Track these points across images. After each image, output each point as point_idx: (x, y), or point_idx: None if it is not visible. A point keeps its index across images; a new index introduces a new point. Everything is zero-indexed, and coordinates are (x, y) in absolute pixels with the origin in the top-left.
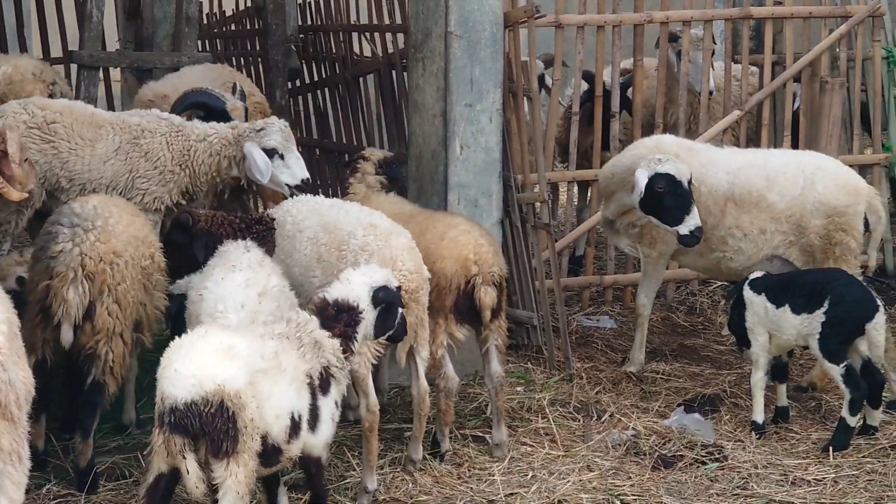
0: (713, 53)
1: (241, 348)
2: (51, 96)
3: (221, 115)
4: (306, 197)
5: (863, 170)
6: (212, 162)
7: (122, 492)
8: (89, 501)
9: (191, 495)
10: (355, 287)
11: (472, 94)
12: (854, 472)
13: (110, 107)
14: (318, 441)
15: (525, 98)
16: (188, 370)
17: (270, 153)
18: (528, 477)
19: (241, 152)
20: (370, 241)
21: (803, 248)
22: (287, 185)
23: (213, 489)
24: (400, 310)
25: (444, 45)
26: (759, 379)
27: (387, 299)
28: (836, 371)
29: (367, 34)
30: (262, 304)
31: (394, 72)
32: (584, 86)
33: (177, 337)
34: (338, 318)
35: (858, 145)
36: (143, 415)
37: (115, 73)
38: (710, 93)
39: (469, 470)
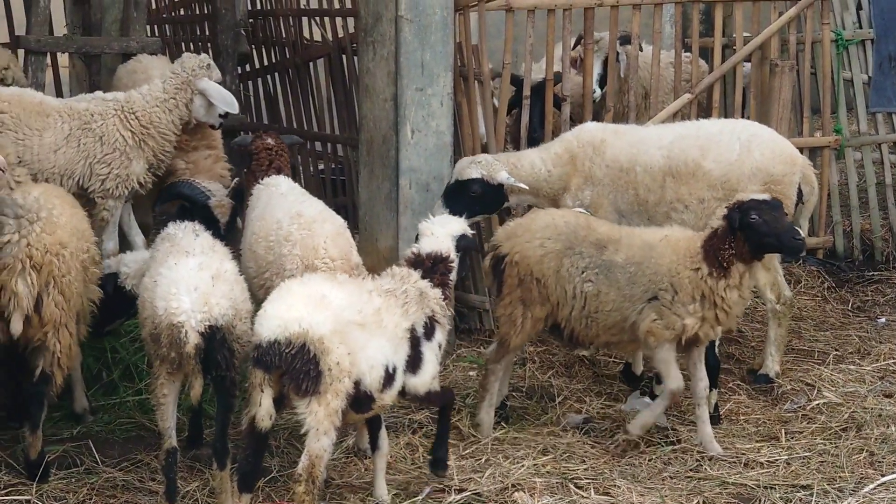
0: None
1: (337, 299)
2: (1, 80)
3: (203, 210)
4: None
5: (813, 152)
6: (173, 118)
7: (74, 480)
8: (40, 490)
9: (257, 425)
10: (442, 239)
11: (423, 78)
12: (806, 454)
13: (58, 93)
14: (422, 381)
15: (476, 82)
16: (276, 312)
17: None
18: (483, 461)
19: (192, 94)
20: (293, 231)
21: None
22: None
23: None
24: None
25: (395, 28)
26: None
27: (468, 246)
28: None
29: (317, 18)
30: (215, 287)
31: (344, 56)
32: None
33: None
34: (434, 269)
35: (808, 128)
36: (95, 402)
37: (63, 59)
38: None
39: (423, 456)
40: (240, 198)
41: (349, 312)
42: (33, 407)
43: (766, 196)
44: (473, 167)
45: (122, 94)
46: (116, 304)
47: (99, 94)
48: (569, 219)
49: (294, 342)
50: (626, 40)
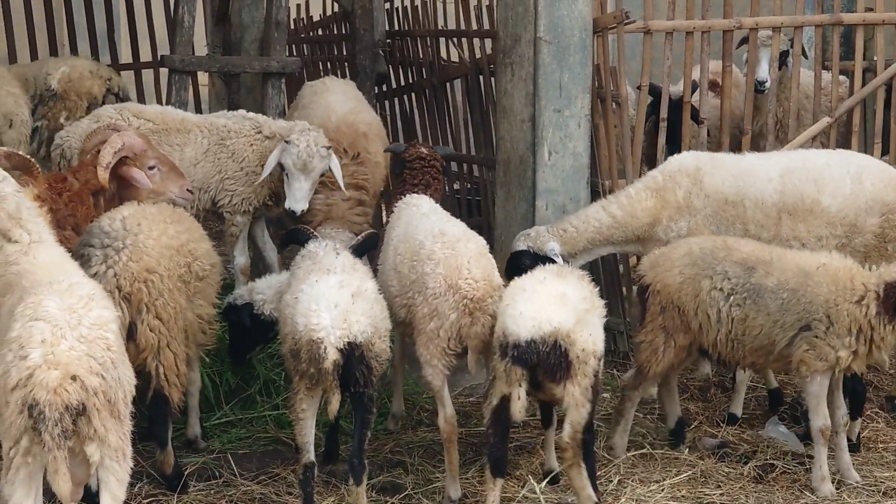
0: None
1: (572, 294)
2: (108, 91)
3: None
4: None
5: None
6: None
7: (213, 492)
8: (181, 501)
9: (514, 417)
10: None
11: (561, 100)
12: None
13: (198, 111)
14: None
15: (613, 104)
16: (529, 313)
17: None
18: (616, 482)
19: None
20: (437, 250)
21: (855, 250)
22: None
23: None
24: None
25: (534, 50)
26: None
27: None
28: None
29: (455, 39)
30: (355, 304)
31: (481, 77)
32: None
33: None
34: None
35: None
36: (233, 416)
37: (203, 78)
38: (763, 84)
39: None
40: (362, 252)
41: (582, 302)
42: (156, 427)
43: None
44: (521, 240)
45: (263, 116)
46: (255, 332)
47: (241, 111)
48: (705, 244)
49: (547, 340)
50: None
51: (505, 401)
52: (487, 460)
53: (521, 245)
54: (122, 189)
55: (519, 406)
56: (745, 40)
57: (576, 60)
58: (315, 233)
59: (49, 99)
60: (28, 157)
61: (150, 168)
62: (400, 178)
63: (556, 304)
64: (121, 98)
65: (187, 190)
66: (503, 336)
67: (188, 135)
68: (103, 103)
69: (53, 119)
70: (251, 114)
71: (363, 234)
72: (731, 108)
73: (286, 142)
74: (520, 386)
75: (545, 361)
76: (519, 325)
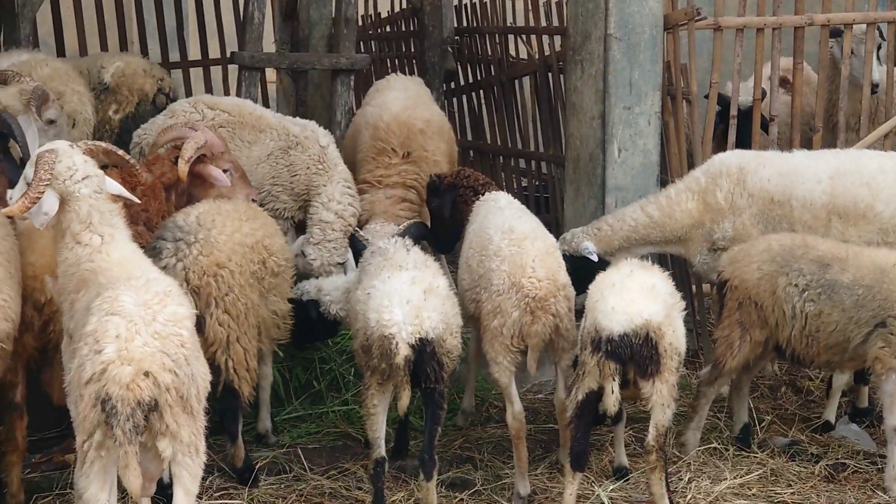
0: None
1: (661, 287)
2: (159, 90)
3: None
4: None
5: None
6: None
7: (283, 486)
8: (251, 496)
9: (608, 411)
10: None
11: (631, 97)
12: None
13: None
14: None
15: (684, 101)
16: (621, 307)
17: None
18: (686, 480)
19: None
20: (503, 247)
21: None
22: None
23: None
24: None
25: (604, 47)
26: None
27: None
28: None
29: (524, 36)
30: (427, 301)
31: (550, 74)
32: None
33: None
34: None
35: None
36: (303, 411)
37: (270, 74)
38: (876, 87)
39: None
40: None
41: (671, 297)
42: (227, 421)
43: None
44: (558, 244)
45: (324, 132)
46: (320, 327)
47: (312, 124)
48: (784, 241)
49: (639, 333)
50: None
51: (591, 396)
52: (569, 454)
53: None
54: (193, 187)
55: (613, 400)
56: (836, 33)
57: (646, 57)
58: (364, 238)
59: (101, 92)
60: (125, 155)
61: (224, 171)
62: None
63: (646, 297)
64: (171, 98)
65: (252, 200)
66: (595, 331)
67: (260, 134)
68: (154, 102)
69: (102, 111)
70: (324, 134)
71: (405, 224)
72: (802, 106)
73: (303, 252)
74: (613, 380)
75: (638, 354)
76: (612, 320)
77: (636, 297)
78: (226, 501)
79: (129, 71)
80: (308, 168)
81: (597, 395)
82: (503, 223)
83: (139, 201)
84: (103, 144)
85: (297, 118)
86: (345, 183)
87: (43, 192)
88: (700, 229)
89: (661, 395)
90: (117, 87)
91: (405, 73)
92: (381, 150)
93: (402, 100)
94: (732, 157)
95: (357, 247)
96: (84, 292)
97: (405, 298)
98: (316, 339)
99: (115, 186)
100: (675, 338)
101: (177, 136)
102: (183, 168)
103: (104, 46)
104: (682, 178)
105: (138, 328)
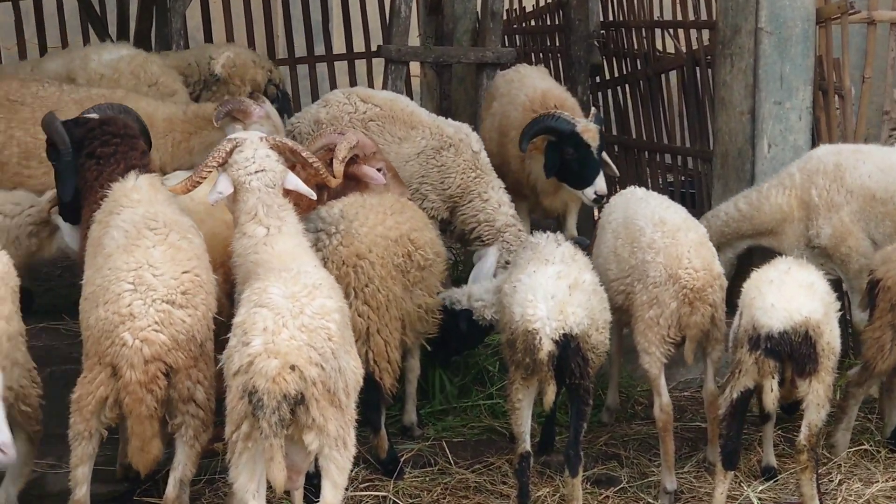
0: None
1: (819, 285)
2: (269, 81)
3: (571, 139)
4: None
5: None
6: None
7: (428, 479)
8: (396, 487)
9: (766, 407)
10: None
11: (782, 92)
12: None
13: None
14: None
15: (836, 96)
16: (780, 304)
17: None
18: (836, 482)
19: None
20: (657, 239)
21: None
22: None
23: None
24: None
25: (754, 41)
26: None
27: None
28: None
29: (671, 30)
30: (572, 296)
31: (697, 68)
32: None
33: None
34: None
35: None
36: (448, 405)
37: (414, 68)
38: None
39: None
40: None
41: (828, 295)
42: (368, 412)
43: None
44: None
45: (476, 137)
46: (471, 336)
47: (466, 127)
48: None
49: (799, 331)
50: None
51: (745, 395)
52: (720, 453)
53: None
54: (347, 189)
55: (772, 398)
56: None
57: (797, 52)
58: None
59: (213, 83)
60: (310, 156)
61: (378, 170)
62: None
63: (805, 295)
64: (279, 89)
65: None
66: (753, 329)
67: (412, 131)
68: (265, 92)
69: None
70: (477, 140)
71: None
72: None
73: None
74: (772, 378)
75: (797, 352)
76: (771, 317)
77: (795, 295)
78: (372, 493)
79: (239, 61)
80: (464, 172)
81: (751, 394)
82: (652, 214)
83: (314, 196)
84: (290, 143)
85: (450, 119)
86: (503, 187)
87: (205, 177)
88: (791, 224)
89: (817, 395)
90: (229, 78)
91: (550, 67)
92: None
93: (545, 82)
94: (829, 153)
95: (563, 128)
96: (247, 284)
97: (550, 293)
98: (461, 351)
99: (295, 181)
100: (832, 337)
101: (327, 143)
102: (338, 168)
103: (251, 40)
104: (778, 173)
105: (285, 321)
